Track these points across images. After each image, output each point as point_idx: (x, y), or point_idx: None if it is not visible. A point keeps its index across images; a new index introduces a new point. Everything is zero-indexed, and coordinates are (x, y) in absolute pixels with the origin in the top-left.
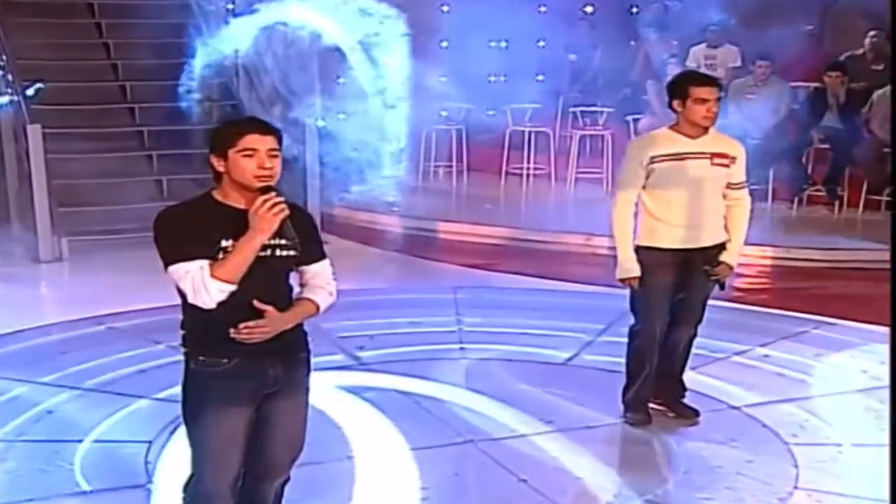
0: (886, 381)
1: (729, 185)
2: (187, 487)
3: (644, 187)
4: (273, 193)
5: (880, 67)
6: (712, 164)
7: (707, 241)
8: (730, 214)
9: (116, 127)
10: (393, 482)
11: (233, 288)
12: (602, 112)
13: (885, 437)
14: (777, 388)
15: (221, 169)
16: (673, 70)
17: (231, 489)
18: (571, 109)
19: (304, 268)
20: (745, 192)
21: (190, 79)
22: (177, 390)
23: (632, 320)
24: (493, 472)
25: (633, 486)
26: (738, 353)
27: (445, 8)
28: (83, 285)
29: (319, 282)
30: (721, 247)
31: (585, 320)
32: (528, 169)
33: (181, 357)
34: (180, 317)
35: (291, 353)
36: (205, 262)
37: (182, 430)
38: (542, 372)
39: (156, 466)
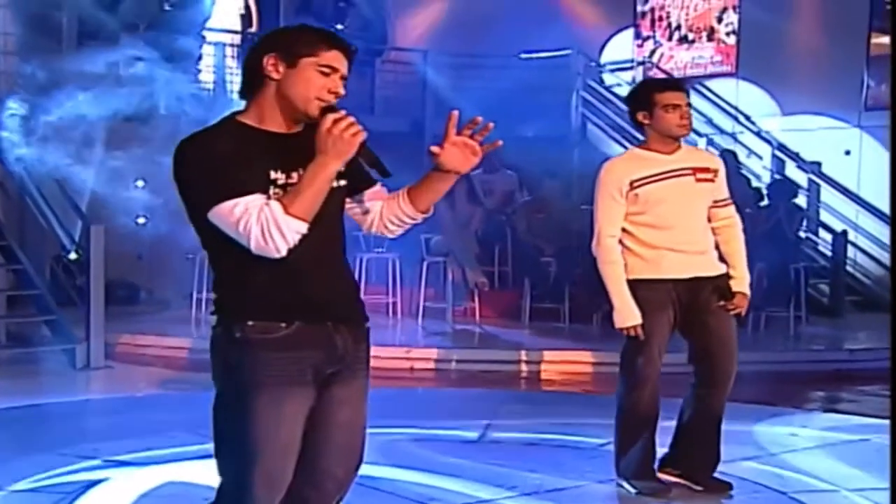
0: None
1: (714, 204)
2: None
3: (625, 218)
4: (342, 112)
5: None
6: (696, 180)
7: (714, 269)
8: (724, 237)
9: None
10: None
11: (305, 230)
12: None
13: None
14: None
15: (276, 76)
16: (460, 185)
17: None
18: (353, 233)
19: (365, 193)
20: (733, 208)
21: None
22: None
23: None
24: None
25: None
26: None
27: None
28: None
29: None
30: (726, 277)
31: (461, 416)
32: None
33: None
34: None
35: (358, 319)
36: (264, 197)
37: None
38: (460, 447)
39: None
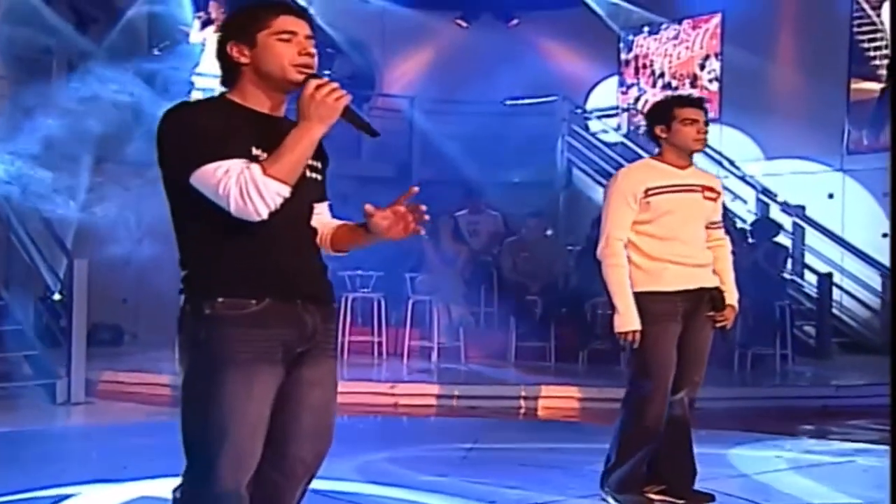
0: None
1: (710, 225)
2: (185, 491)
3: (633, 225)
4: (325, 79)
5: None
6: (703, 197)
7: (714, 282)
8: (716, 255)
9: None
10: None
11: (287, 194)
12: (371, 276)
13: None
14: None
15: (245, 60)
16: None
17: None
18: (339, 273)
19: (319, 204)
20: (724, 231)
21: None
22: None
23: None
24: None
25: None
26: None
27: None
28: None
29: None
30: (720, 290)
31: (444, 440)
32: None
33: None
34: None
35: (326, 298)
36: (246, 162)
37: None
38: (442, 467)
39: None
